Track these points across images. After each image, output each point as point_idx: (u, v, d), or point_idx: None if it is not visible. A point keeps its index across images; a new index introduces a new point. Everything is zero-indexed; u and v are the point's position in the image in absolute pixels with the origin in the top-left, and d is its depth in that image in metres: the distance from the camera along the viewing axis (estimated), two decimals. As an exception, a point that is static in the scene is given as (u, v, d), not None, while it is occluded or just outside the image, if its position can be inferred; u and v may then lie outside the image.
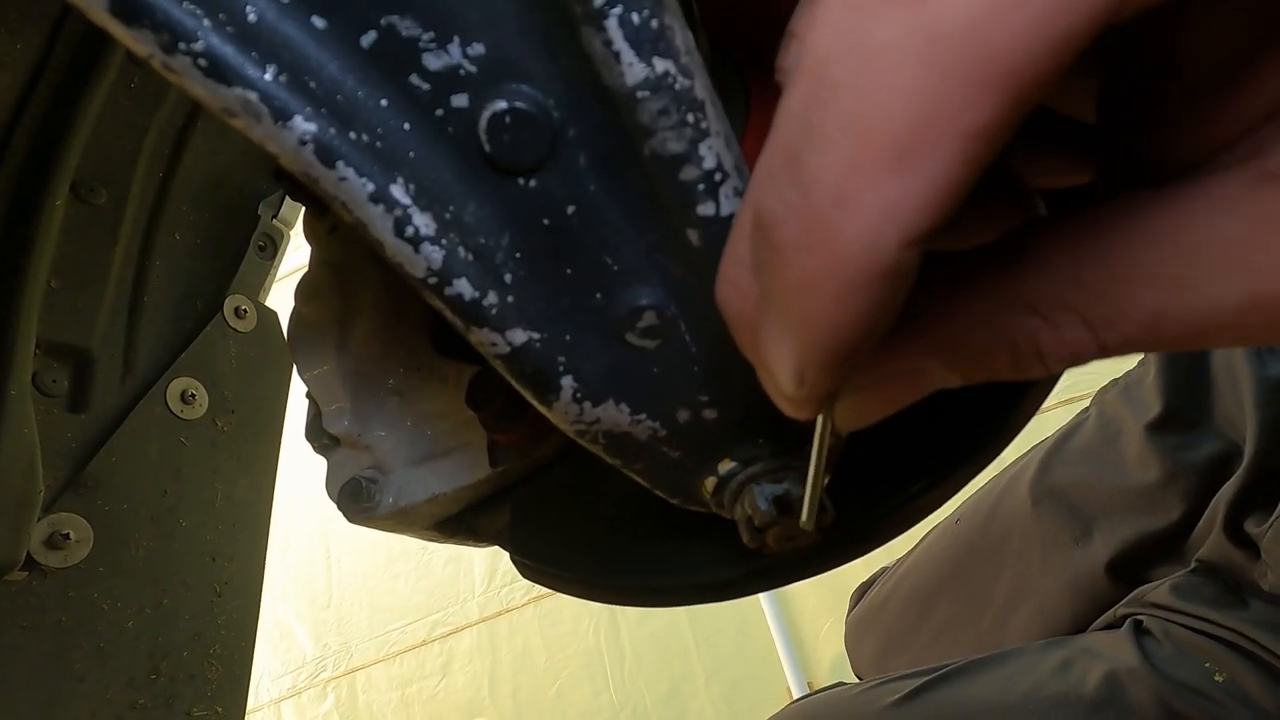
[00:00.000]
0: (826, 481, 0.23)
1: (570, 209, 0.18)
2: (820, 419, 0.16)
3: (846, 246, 0.10)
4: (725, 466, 0.23)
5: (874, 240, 0.10)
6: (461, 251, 0.18)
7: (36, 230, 0.51)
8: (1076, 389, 1.51)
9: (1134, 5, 0.10)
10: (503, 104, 0.16)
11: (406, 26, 0.16)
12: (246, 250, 0.70)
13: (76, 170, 0.54)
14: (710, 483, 0.23)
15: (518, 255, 0.19)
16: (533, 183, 0.18)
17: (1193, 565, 0.62)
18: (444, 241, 0.18)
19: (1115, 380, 0.75)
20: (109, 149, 0.58)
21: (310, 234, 0.39)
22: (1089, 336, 0.13)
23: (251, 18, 0.15)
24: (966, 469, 0.28)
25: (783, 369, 0.13)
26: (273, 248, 0.73)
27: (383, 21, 0.16)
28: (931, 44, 0.09)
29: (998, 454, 0.29)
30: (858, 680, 0.82)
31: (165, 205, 0.62)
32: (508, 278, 0.19)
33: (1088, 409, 0.77)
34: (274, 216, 0.72)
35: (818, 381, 0.13)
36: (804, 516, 0.18)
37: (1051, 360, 0.13)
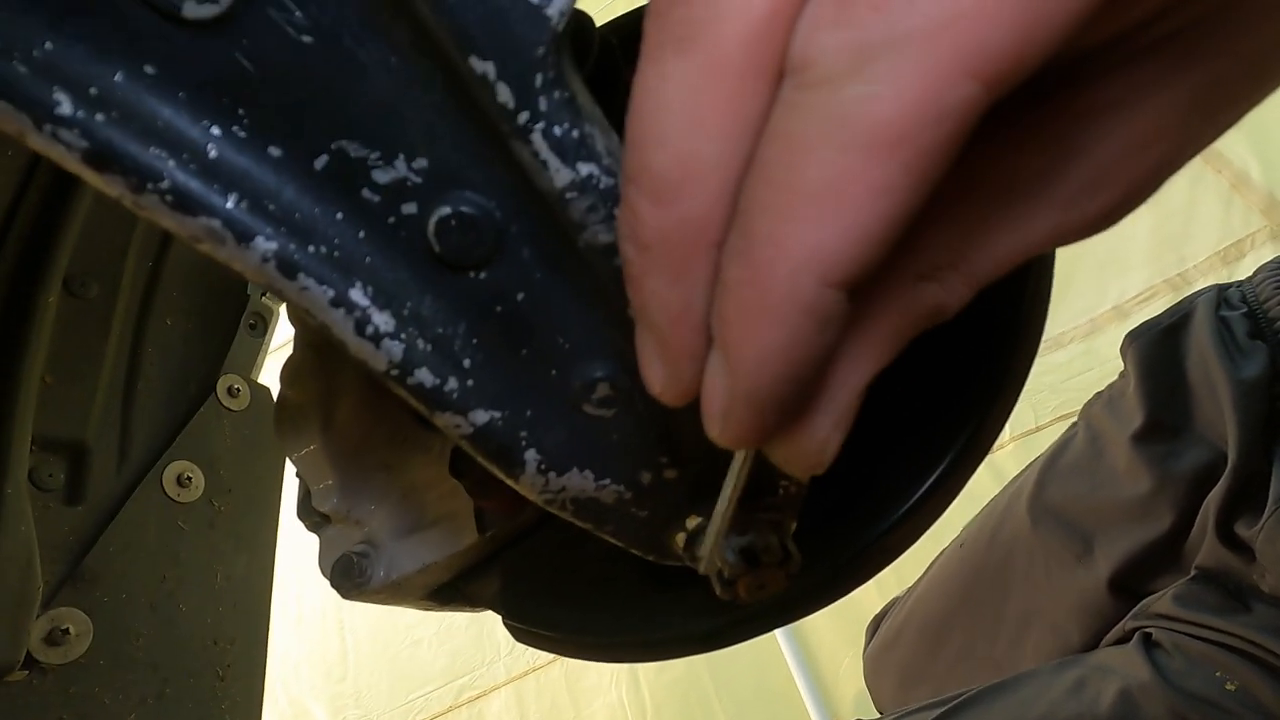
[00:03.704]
0: (793, 527, 0.24)
1: (520, 296, 0.20)
2: (740, 454, 0.17)
3: (774, 282, 0.12)
4: (693, 522, 0.24)
5: (795, 279, 0.12)
6: (420, 343, 0.19)
7: (30, 330, 0.52)
8: (1069, 406, 1.51)
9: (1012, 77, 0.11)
10: (448, 209, 0.18)
11: (355, 148, 0.18)
12: (237, 330, 0.71)
13: (67, 266, 0.55)
14: (680, 538, 0.24)
15: (474, 341, 0.20)
16: (483, 275, 0.19)
17: (1192, 573, 0.62)
18: (403, 335, 0.19)
19: (1100, 393, 0.76)
20: (99, 243, 0.60)
21: (293, 317, 0.40)
22: (966, 288, 0.15)
23: (212, 154, 0.17)
24: (932, 504, 0.29)
25: (713, 402, 0.14)
26: (263, 325, 0.74)
27: (333, 146, 0.18)
28: (838, 124, 0.11)
29: (963, 485, 0.30)
30: (879, 715, 0.80)
31: (156, 293, 0.63)
32: (466, 363, 0.20)
33: (1076, 423, 0.78)
34: (263, 295, 0.73)
35: (742, 419, 0.14)
36: (706, 549, 0.19)
37: (950, 314, 0.16)
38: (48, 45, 0.15)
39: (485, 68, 0.16)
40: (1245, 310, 0.68)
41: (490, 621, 1.91)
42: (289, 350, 0.40)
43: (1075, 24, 0.11)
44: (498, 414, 0.20)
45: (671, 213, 0.13)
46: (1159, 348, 0.70)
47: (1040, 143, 0.15)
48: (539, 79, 0.16)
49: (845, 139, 0.11)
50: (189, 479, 0.63)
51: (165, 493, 0.61)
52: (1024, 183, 0.15)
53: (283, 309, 0.72)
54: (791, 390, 0.13)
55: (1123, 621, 0.68)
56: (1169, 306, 0.74)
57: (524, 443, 0.21)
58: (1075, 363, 1.53)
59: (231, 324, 0.71)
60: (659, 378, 0.15)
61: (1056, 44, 0.11)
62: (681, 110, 0.12)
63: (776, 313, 0.12)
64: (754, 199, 0.12)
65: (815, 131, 0.11)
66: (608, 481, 0.22)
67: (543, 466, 0.21)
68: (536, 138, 0.16)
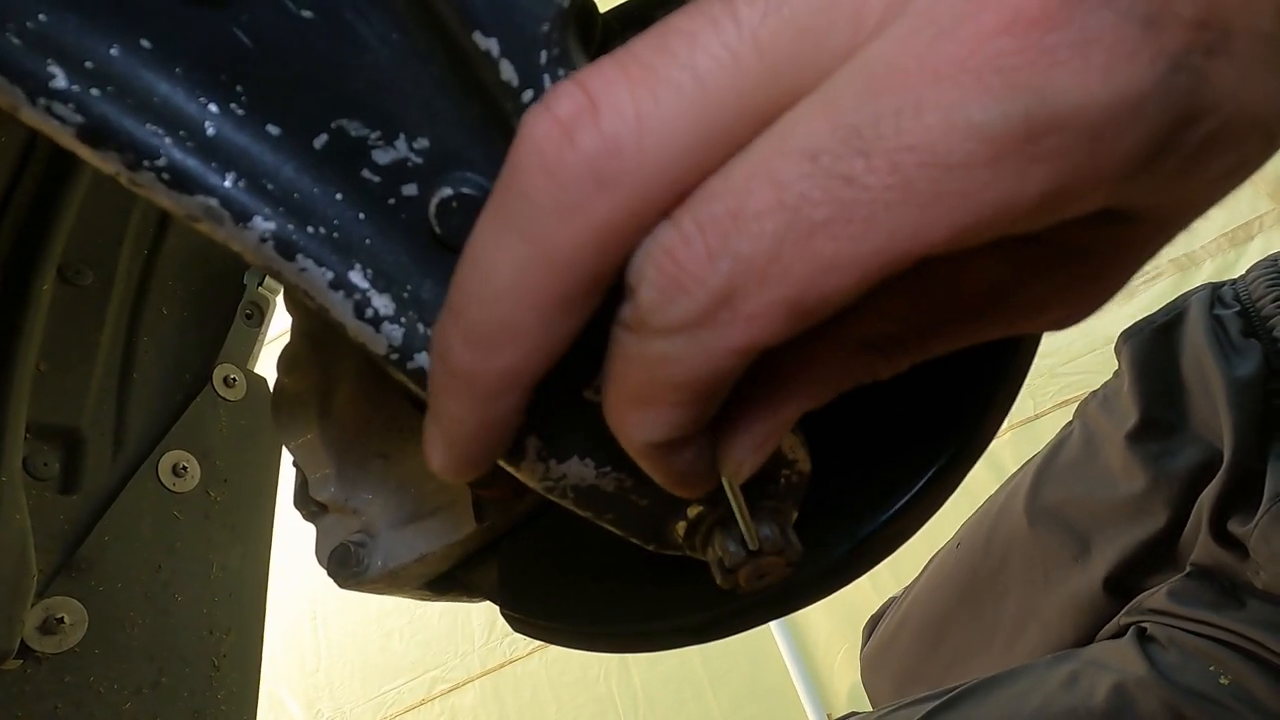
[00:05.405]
0: (794, 516, 0.24)
1: None
2: (726, 481, 0.19)
3: (624, 437, 0.17)
4: (693, 511, 0.23)
5: (633, 439, 0.17)
6: (420, 327, 0.19)
7: (24, 317, 0.52)
8: (1068, 392, 1.51)
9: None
10: (449, 190, 0.18)
11: (355, 128, 0.17)
12: (234, 320, 0.71)
13: (62, 254, 0.55)
14: (681, 527, 0.24)
15: None
16: (484, 258, 0.19)
17: (1187, 570, 0.62)
18: (403, 319, 0.19)
19: (1095, 392, 0.76)
20: (94, 231, 0.59)
21: (291, 305, 0.40)
22: (906, 358, 0.18)
23: (210, 131, 0.16)
24: (934, 494, 0.29)
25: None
26: (259, 315, 0.73)
27: (333, 124, 0.17)
28: (648, 362, 0.15)
29: (964, 475, 0.30)
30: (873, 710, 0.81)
31: (151, 282, 0.63)
32: (467, 348, 0.20)
33: (1072, 423, 0.78)
34: (259, 284, 0.73)
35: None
36: (744, 533, 0.20)
37: (884, 376, 0.18)
38: (42, 17, 0.15)
39: (488, 44, 0.15)
40: (1239, 308, 0.68)
41: (464, 613, 1.90)
42: (285, 341, 0.39)
43: (821, 315, 0.14)
44: (498, 400, 0.20)
45: (480, 360, 0.15)
46: (1153, 346, 0.70)
47: (988, 264, 0.16)
48: (543, 56, 0.15)
49: (651, 375, 0.15)
50: (184, 469, 0.62)
51: (161, 482, 0.61)
52: (973, 293, 0.17)
53: (279, 299, 0.71)
54: (687, 467, 0.18)
55: (1117, 617, 0.68)
56: (1166, 305, 0.74)
57: (524, 429, 0.21)
58: (1075, 345, 1.53)
59: (227, 314, 0.70)
60: (438, 465, 0.18)
61: (811, 324, 0.14)
62: (510, 285, 0.14)
63: (633, 451, 0.17)
64: (605, 379, 0.16)
65: (634, 358, 0.15)
66: (609, 469, 0.22)
67: (543, 453, 0.21)
68: (540, 117, 0.16)
